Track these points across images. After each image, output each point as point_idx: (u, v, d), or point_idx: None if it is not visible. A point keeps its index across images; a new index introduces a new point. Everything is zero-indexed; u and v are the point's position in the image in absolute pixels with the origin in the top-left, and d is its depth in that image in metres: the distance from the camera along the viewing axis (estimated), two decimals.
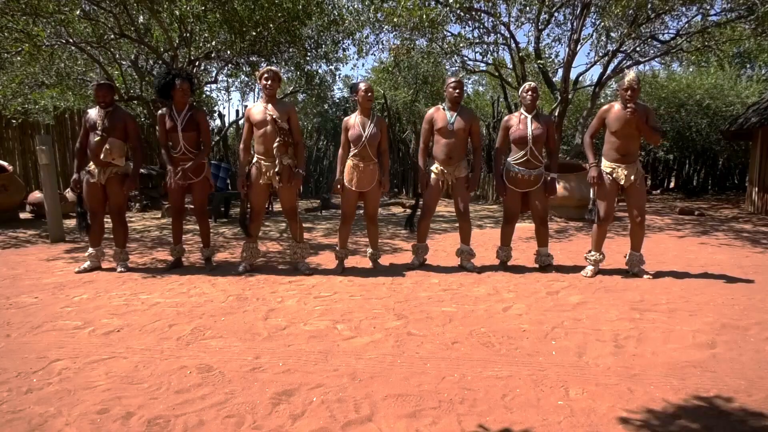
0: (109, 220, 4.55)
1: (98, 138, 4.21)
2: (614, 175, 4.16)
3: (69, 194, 6.81)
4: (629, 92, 3.95)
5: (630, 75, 3.98)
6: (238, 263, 4.66)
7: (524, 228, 6.98)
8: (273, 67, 4.19)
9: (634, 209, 4.17)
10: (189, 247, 5.64)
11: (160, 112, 4.42)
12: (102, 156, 4.20)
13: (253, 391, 2.24)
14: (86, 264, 4.51)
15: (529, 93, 4.29)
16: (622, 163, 4.13)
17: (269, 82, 4.14)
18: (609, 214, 4.25)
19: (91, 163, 4.34)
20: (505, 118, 4.45)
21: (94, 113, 4.32)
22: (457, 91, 4.34)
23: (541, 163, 4.35)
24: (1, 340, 2.86)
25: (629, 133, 4.06)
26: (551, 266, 4.54)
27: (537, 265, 4.59)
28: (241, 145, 4.35)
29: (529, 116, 4.28)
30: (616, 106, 4.09)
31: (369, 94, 4.27)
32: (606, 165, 4.21)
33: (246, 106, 5.53)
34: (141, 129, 11.23)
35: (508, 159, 4.44)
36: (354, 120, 4.31)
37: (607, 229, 4.34)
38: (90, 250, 4.53)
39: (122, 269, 4.50)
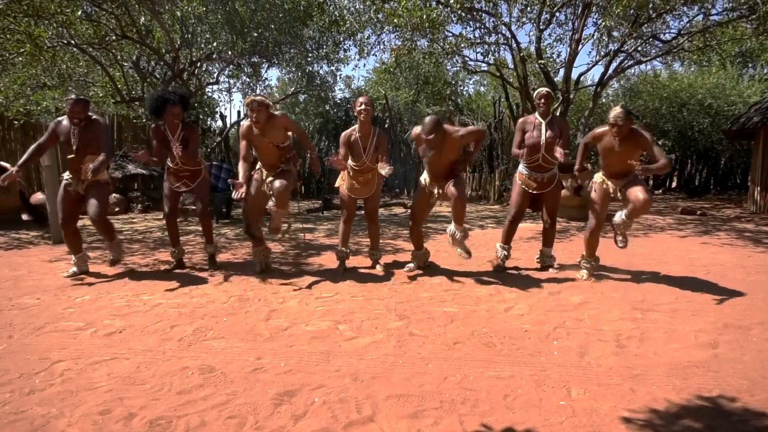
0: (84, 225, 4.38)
1: (72, 156, 4.04)
2: (605, 186, 4.02)
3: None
4: (615, 129, 3.70)
5: (615, 110, 3.70)
6: (241, 264, 4.66)
7: (526, 228, 6.98)
8: (258, 97, 3.93)
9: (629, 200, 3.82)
10: (190, 248, 5.65)
11: (154, 125, 4.38)
12: (88, 176, 4.04)
13: (255, 392, 2.24)
14: (74, 269, 4.35)
15: (542, 101, 4.25)
16: (615, 179, 3.97)
17: (255, 115, 3.93)
18: (600, 220, 4.09)
19: (68, 173, 4.19)
20: (521, 119, 4.43)
21: (66, 125, 4.08)
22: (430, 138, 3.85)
23: (554, 165, 4.31)
24: (3, 341, 2.87)
25: (622, 160, 3.81)
26: (552, 267, 4.53)
27: (538, 265, 4.59)
28: (241, 162, 4.10)
29: (544, 122, 4.26)
30: (608, 137, 3.83)
31: (364, 106, 4.11)
32: (599, 175, 4.09)
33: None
34: (143, 130, 11.34)
35: (522, 162, 4.42)
36: (354, 137, 4.23)
37: (599, 236, 4.17)
38: (73, 257, 4.35)
39: (115, 257, 4.39)
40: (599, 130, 3.98)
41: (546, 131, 4.22)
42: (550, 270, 4.50)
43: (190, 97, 4.53)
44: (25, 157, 4.12)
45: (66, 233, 4.27)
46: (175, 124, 4.33)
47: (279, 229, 4.16)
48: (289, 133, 4.23)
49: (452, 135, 3.96)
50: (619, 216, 3.95)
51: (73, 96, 4.07)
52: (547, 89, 4.30)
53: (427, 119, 3.87)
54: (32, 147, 4.16)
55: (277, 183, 4.03)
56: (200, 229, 4.87)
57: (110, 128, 4.34)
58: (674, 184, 15.19)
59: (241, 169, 4.09)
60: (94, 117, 4.17)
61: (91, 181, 4.16)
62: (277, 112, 4.14)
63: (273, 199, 4.04)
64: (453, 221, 4.03)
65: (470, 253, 4.13)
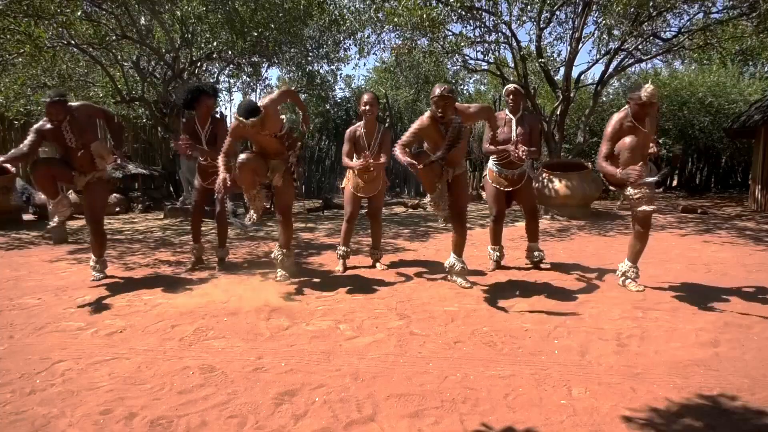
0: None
1: (80, 153, 3.89)
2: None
3: (72, 196, 6.81)
4: (652, 108, 3.43)
5: (650, 89, 3.33)
6: (242, 263, 4.65)
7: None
8: (249, 121, 3.48)
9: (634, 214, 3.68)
10: (189, 247, 5.64)
11: (185, 119, 4.41)
12: (99, 165, 4.01)
13: (256, 392, 2.24)
14: (56, 218, 4.04)
15: (510, 97, 4.27)
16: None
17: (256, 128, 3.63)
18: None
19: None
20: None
21: (51, 128, 3.80)
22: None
23: (524, 162, 4.29)
24: (4, 341, 2.87)
25: (648, 140, 3.57)
26: (543, 262, 4.52)
27: (528, 261, 4.57)
28: (222, 155, 3.75)
29: (514, 118, 4.27)
30: (627, 120, 3.51)
31: (368, 107, 4.17)
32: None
33: None
34: (143, 130, 11.36)
35: (492, 158, 4.42)
36: (359, 133, 4.27)
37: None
38: (51, 204, 4.05)
39: (98, 276, 4.17)
40: (618, 119, 3.51)
41: (516, 127, 4.24)
42: (542, 266, 4.49)
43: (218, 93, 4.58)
44: (10, 155, 3.86)
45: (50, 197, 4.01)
46: (205, 117, 4.35)
47: (260, 210, 3.97)
48: (283, 118, 4.10)
49: (466, 112, 3.63)
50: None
51: (48, 98, 3.78)
52: (514, 86, 4.31)
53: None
54: (19, 152, 3.81)
55: (282, 201, 4.04)
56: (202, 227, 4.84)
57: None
58: (675, 183, 15.17)
59: (221, 162, 3.74)
60: (74, 105, 3.92)
61: (93, 177, 4.05)
62: (264, 101, 3.79)
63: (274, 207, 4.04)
64: (452, 251, 3.92)
65: (473, 284, 3.92)
